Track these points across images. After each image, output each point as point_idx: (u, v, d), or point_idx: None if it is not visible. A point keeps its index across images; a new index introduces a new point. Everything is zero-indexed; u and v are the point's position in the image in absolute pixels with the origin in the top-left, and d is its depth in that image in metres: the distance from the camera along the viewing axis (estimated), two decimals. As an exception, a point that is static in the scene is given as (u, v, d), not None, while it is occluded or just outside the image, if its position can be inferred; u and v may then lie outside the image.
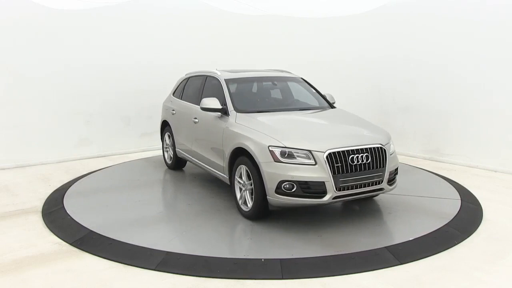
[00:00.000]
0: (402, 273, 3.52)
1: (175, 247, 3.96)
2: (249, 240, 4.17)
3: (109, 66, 8.33)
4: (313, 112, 5.50)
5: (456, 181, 6.28)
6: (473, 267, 3.60)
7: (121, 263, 3.70)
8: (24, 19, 7.38)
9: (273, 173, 4.22)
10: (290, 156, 4.22)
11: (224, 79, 5.66)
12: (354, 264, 3.64)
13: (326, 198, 4.16)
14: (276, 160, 4.23)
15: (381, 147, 4.44)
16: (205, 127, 5.65)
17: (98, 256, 3.84)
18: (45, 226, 4.62)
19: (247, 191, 4.64)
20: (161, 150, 7.50)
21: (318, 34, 9.89)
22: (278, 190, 4.22)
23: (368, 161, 4.32)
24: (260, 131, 4.54)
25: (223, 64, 7.56)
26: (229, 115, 5.14)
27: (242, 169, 4.65)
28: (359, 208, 5.08)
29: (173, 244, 4.05)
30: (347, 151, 4.25)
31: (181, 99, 6.69)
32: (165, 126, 7.16)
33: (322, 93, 6.09)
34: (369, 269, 3.56)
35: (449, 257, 3.81)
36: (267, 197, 4.34)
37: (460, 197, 5.42)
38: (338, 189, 4.17)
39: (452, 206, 5.07)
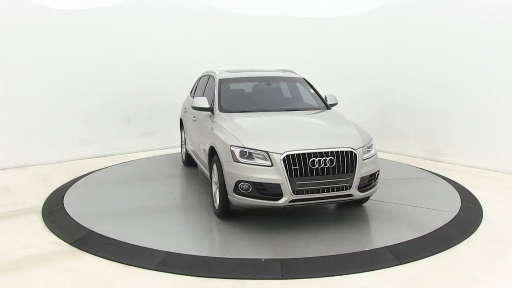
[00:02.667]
0: (402, 273, 3.52)
1: (175, 247, 3.96)
2: (204, 237, 4.27)
3: (109, 66, 8.33)
4: (298, 114, 5.38)
5: (456, 181, 6.28)
6: (473, 267, 3.60)
7: (121, 263, 3.70)
8: (24, 19, 7.38)
9: (232, 172, 4.25)
10: (250, 156, 4.20)
11: (219, 79, 5.78)
12: (354, 264, 3.64)
13: (282, 201, 4.09)
14: (235, 160, 4.23)
15: (350, 151, 4.23)
16: (198, 126, 5.78)
17: (98, 256, 3.84)
18: (45, 226, 4.62)
19: (218, 190, 4.65)
20: (161, 150, 7.58)
21: (318, 34, 9.89)
22: (236, 190, 4.22)
23: (333, 165, 4.15)
24: (229, 131, 4.58)
25: (223, 64, 7.57)
26: (214, 114, 5.24)
27: (214, 167, 4.69)
28: (329, 211, 5.07)
29: (173, 243, 4.05)
30: (308, 153, 4.10)
31: (192, 97, 6.80)
32: (181, 124, 7.41)
33: (324, 93, 5.98)
34: (369, 269, 3.56)
35: (449, 257, 3.81)
36: (228, 196, 4.36)
37: (460, 197, 5.42)
38: (295, 192, 4.07)
39: (452, 206, 5.07)
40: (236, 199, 4.27)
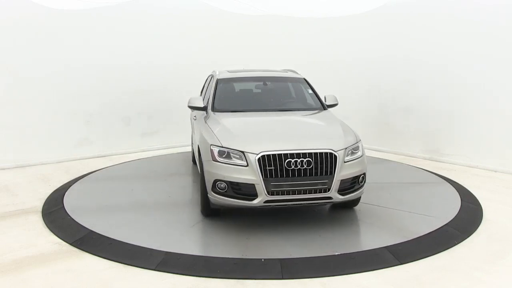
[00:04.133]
0: (402, 273, 3.52)
1: (175, 247, 3.96)
2: (176, 234, 4.30)
3: (109, 66, 8.33)
4: (290, 114, 5.35)
5: (456, 181, 6.28)
6: (473, 267, 3.60)
7: (121, 263, 3.70)
8: (24, 19, 7.38)
9: (210, 171, 4.29)
10: (228, 156, 4.21)
11: (217, 79, 5.87)
12: (354, 264, 3.64)
13: (256, 201, 4.08)
14: (214, 159, 4.26)
15: (330, 153, 4.14)
16: (196, 125, 5.86)
17: (98, 256, 3.84)
18: (45, 226, 4.62)
19: (200, 188, 4.73)
20: (160, 151, 7.61)
21: (318, 34, 9.89)
22: (214, 189, 4.26)
23: (310, 166, 4.08)
24: (213, 131, 4.62)
25: (223, 64, 7.55)
26: (207, 113, 5.31)
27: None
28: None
29: (172, 243, 4.06)
30: (284, 154, 4.06)
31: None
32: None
33: (324, 94, 5.93)
34: (369, 269, 3.56)
35: (449, 257, 3.81)
36: (207, 195, 4.39)
37: (460, 197, 5.42)
38: (270, 193, 4.04)
39: (452, 206, 5.07)
40: (214, 198, 4.30)
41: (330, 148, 4.18)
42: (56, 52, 7.72)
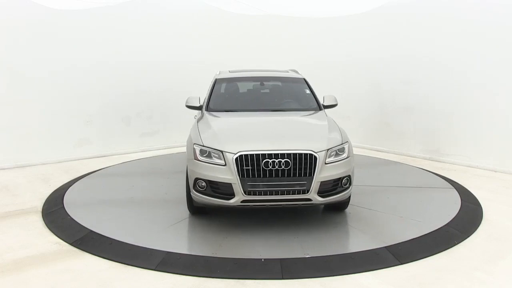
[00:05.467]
0: (402, 273, 3.52)
1: (175, 247, 3.96)
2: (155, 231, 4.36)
3: (109, 66, 8.33)
4: (282, 114, 5.30)
5: (456, 181, 6.28)
6: (473, 267, 3.60)
7: (121, 263, 3.70)
8: (24, 19, 7.38)
9: (192, 170, 4.34)
10: (209, 155, 4.25)
11: (215, 78, 5.94)
12: (354, 264, 3.64)
13: (233, 200, 4.09)
14: (195, 158, 4.31)
15: (310, 154, 4.08)
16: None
17: (98, 256, 3.84)
18: (45, 226, 4.61)
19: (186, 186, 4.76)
20: (161, 151, 7.56)
21: (318, 34, 9.89)
22: (195, 187, 4.31)
23: (289, 167, 4.03)
24: (199, 130, 4.67)
25: (223, 65, 7.57)
26: (202, 113, 5.40)
27: None
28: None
29: (172, 243, 4.07)
30: (262, 154, 4.04)
31: None
32: None
33: (324, 94, 5.86)
34: (369, 269, 3.56)
35: (449, 257, 3.81)
36: (190, 193, 4.44)
37: (460, 197, 5.42)
38: (247, 193, 4.03)
39: (452, 206, 5.07)
40: (195, 196, 4.35)
41: (310, 149, 4.12)
42: (56, 52, 7.72)
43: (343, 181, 4.31)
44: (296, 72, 6.55)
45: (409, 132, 8.40)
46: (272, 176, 4.04)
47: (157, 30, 8.88)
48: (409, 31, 8.28)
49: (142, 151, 8.65)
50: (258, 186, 4.03)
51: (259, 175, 4.03)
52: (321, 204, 4.28)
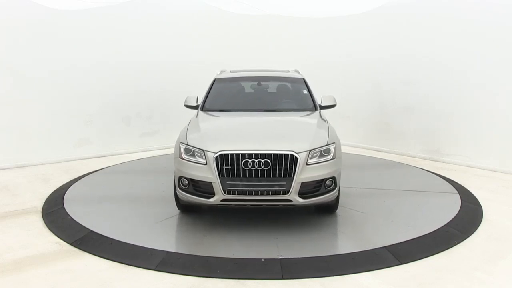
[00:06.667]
0: (402, 273, 3.52)
1: (175, 247, 3.96)
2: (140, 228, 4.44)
3: (109, 66, 8.33)
4: (274, 114, 5.28)
5: (456, 181, 6.28)
6: (473, 267, 3.60)
7: (121, 263, 3.70)
8: (24, 19, 7.38)
9: (177, 168, 4.41)
10: (193, 154, 4.29)
11: (215, 78, 6.02)
12: (354, 264, 3.64)
13: (213, 199, 4.11)
14: (180, 156, 4.36)
15: (291, 155, 4.04)
16: None
17: (98, 256, 3.84)
18: (45, 226, 4.61)
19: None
20: (161, 151, 7.56)
21: (318, 34, 9.89)
22: (179, 185, 4.37)
23: (268, 167, 4.01)
24: (188, 129, 4.74)
25: (223, 65, 7.56)
26: (197, 112, 5.46)
27: None
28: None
29: (171, 242, 4.08)
30: (242, 154, 4.03)
31: None
32: None
33: (323, 94, 5.83)
34: (369, 269, 3.56)
35: (449, 257, 3.81)
36: (176, 191, 4.50)
37: (460, 197, 5.42)
38: (226, 192, 4.05)
39: (452, 206, 5.07)
40: (180, 194, 4.41)
41: (292, 149, 4.07)
42: (56, 52, 7.72)
43: (327, 182, 4.23)
44: (298, 72, 6.54)
45: (409, 132, 8.40)
46: (251, 176, 4.05)
47: (157, 30, 8.88)
48: (409, 31, 8.28)
49: (142, 151, 8.65)
50: (237, 185, 4.06)
51: (238, 175, 4.06)
52: (302, 205, 4.20)
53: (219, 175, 4.05)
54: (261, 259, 3.71)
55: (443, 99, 7.76)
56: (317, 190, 4.20)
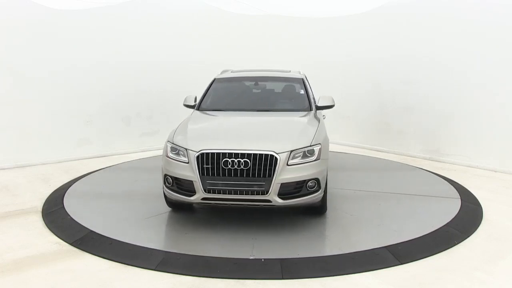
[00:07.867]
0: (402, 273, 3.52)
1: (175, 247, 3.96)
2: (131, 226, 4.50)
3: (109, 66, 8.33)
4: (266, 115, 5.28)
5: (456, 181, 6.28)
6: (473, 267, 3.60)
7: (121, 263, 3.70)
8: (24, 19, 7.38)
9: (163, 166, 4.50)
10: (177, 153, 4.35)
11: (214, 78, 6.08)
12: (354, 264, 3.64)
13: (194, 197, 4.17)
14: (166, 154, 4.45)
15: (271, 155, 4.02)
16: None
17: (98, 256, 3.84)
18: (45, 226, 4.61)
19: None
20: (161, 151, 7.52)
21: (318, 34, 9.89)
22: (165, 183, 4.46)
23: (248, 167, 4.02)
24: (178, 128, 4.84)
25: (223, 65, 7.57)
26: (193, 111, 5.55)
27: None
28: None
29: (171, 242, 4.08)
30: (223, 153, 4.06)
31: None
32: None
33: (320, 95, 5.77)
34: (369, 269, 3.56)
35: (449, 257, 3.81)
36: (162, 188, 4.56)
37: (460, 197, 5.42)
38: (207, 191, 4.09)
39: (452, 206, 5.07)
40: (165, 191, 4.50)
41: (272, 150, 4.06)
42: (56, 52, 7.72)
43: (309, 184, 4.18)
44: (299, 72, 6.52)
45: (409, 132, 8.40)
46: (231, 175, 4.07)
47: (157, 30, 8.88)
48: (409, 31, 8.28)
49: (142, 151, 8.65)
50: (217, 184, 4.09)
51: (218, 174, 4.09)
52: (283, 206, 4.16)
53: (199, 173, 4.11)
54: (261, 259, 3.71)
55: (443, 99, 7.76)
56: (298, 191, 4.16)
